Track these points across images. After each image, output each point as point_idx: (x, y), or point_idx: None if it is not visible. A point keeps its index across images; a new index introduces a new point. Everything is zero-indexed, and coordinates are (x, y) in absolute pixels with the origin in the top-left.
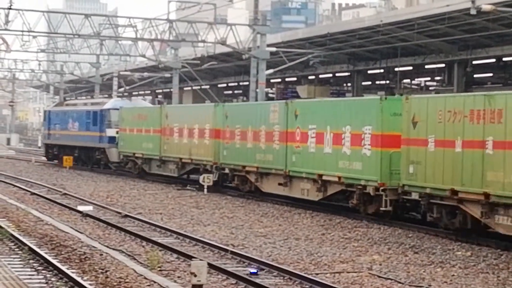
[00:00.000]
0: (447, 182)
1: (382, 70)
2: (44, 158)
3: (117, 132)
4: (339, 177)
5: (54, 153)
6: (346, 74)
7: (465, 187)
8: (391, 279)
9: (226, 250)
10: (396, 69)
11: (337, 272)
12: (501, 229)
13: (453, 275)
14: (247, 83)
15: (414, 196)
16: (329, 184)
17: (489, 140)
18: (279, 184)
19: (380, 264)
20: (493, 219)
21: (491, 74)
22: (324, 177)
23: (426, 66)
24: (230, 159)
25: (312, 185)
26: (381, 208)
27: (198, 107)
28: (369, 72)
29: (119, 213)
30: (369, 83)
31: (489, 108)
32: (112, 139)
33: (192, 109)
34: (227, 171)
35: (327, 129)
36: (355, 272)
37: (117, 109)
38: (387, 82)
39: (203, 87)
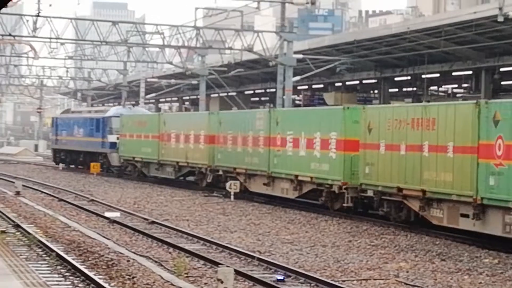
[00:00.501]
0: (394, 181)
1: (409, 77)
2: (70, 165)
3: (117, 138)
4: (311, 177)
5: (62, 157)
6: (373, 81)
7: (407, 185)
8: (418, 286)
9: (253, 257)
10: (423, 76)
11: (364, 279)
12: (435, 221)
13: (480, 283)
14: (273, 90)
15: (369, 193)
16: (304, 183)
17: (425, 144)
18: (264, 184)
19: (407, 271)
20: (429, 212)
21: None
22: (299, 178)
23: (453, 73)
24: (223, 162)
25: (290, 185)
26: (343, 204)
27: (194, 114)
28: (396, 79)
29: (146, 219)
30: (396, 90)
31: (425, 117)
32: (113, 145)
33: (188, 117)
34: (220, 172)
35: (301, 134)
36: (382, 279)
37: (118, 116)
38: (414, 89)
39: (230, 94)
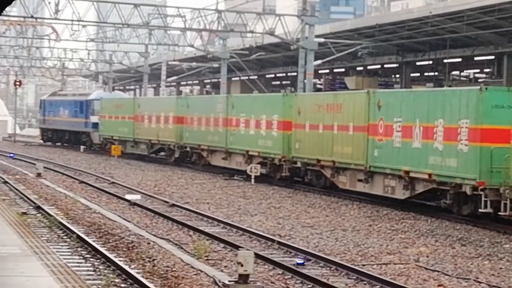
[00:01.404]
0: (315, 154)
1: (431, 62)
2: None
3: (99, 119)
4: (259, 152)
5: (49, 136)
6: (395, 65)
7: (323, 157)
8: (438, 271)
9: (273, 241)
10: (445, 60)
11: (384, 264)
12: (341, 185)
13: (501, 268)
14: (295, 73)
15: (298, 164)
16: (253, 157)
17: (335, 124)
18: (222, 158)
19: (427, 256)
20: (337, 178)
21: None
22: (250, 152)
23: (475, 58)
24: (190, 139)
25: (243, 158)
26: (282, 174)
27: (164, 98)
28: (417, 63)
29: (167, 202)
30: (418, 74)
31: (335, 103)
32: (95, 125)
33: (159, 100)
34: (188, 149)
35: (251, 116)
36: (402, 263)
37: (99, 99)
38: (436, 74)
39: (251, 77)
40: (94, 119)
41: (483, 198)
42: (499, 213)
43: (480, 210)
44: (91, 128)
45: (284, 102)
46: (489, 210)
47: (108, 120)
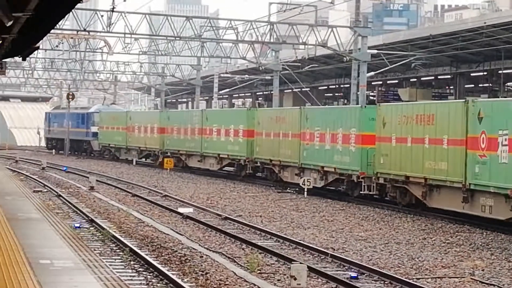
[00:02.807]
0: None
1: (485, 73)
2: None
3: (98, 129)
4: (228, 155)
5: (53, 144)
6: (448, 76)
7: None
8: (494, 285)
9: (326, 254)
10: (500, 71)
11: (438, 277)
12: (284, 178)
13: None
14: (347, 85)
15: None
16: (224, 159)
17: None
18: (198, 160)
19: (483, 270)
20: (283, 174)
21: None
22: (220, 155)
23: None
24: (171, 146)
25: (215, 160)
26: (247, 172)
27: (149, 112)
28: (471, 74)
29: (219, 215)
30: (472, 85)
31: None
32: (95, 134)
33: (146, 114)
34: (169, 154)
35: (222, 126)
36: (457, 277)
37: (98, 112)
38: (490, 84)
39: (303, 89)
40: (94, 129)
41: None
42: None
43: None
44: (91, 137)
45: (249, 115)
46: None
47: (106, 130)
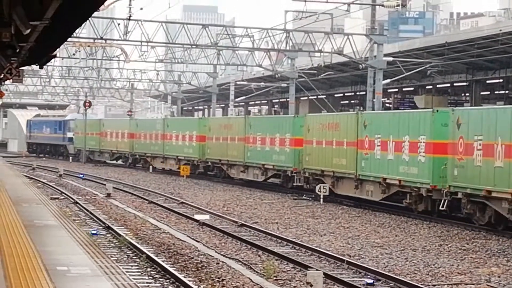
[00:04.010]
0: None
1: (501, 80)
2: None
3: (73, 135)
4: (184, 156)
5: (34, 148)
6: (464, 84)
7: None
8: None
9: (342, 260)
10: None
11: (454, 284)
12: (231, 175)
13: None
14: (363, 92)
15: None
16: (181, 160)
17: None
18: (161, 162)
19: (499, 277)
20: (230, 171)
21: None
22: (179, 157)
23: None
24: (138, 149)
25: (174, 161)
26: (199, 171)
27: (121, 120)
28: (487, 81)
29: (236, 222)
30: (488, 93)
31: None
32: (70, 139)
33: (118, 121)
34: (137, 156)
35: (179, 133)
36: (473, 284)
37: (74, 119)
38: (507, 92)
39: (319, 96)
40: (70, 134)
41: None
42: None
43: None
44: (67, 141)
45: (200, 123)
46: None
47: (81, 136)
